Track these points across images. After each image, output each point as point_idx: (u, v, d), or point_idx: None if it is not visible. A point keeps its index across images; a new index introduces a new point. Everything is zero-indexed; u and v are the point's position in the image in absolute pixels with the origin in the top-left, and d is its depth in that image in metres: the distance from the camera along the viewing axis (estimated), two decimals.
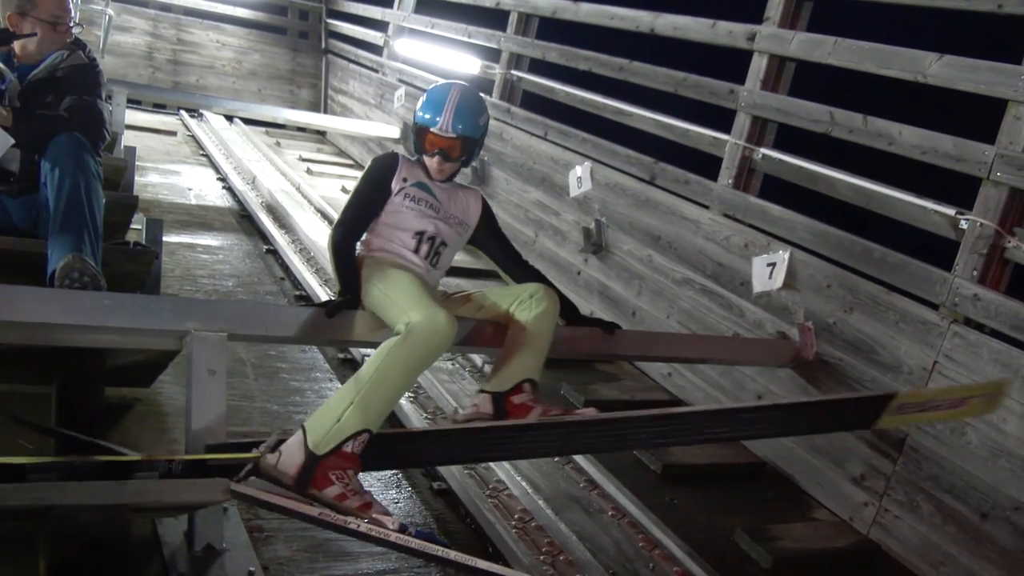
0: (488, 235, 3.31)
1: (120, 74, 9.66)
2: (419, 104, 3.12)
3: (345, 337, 3.12)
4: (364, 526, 2.37)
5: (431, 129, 3.05)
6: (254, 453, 2.52)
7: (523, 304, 3.01)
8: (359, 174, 3.24)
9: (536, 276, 3.28)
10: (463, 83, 3.20)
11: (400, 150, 3.59)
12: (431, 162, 3.10)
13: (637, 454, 3.85)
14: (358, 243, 3.13)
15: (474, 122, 3.10)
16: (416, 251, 3.07)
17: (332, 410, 2.57)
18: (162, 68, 10.61)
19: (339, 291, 2.99)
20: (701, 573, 2.99)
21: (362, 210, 3.09)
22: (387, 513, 2.46)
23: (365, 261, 3.05)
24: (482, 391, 3.00)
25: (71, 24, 3.40)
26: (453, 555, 2.29)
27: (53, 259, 2.96)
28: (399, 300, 2.78)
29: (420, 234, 3.07)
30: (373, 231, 3.12)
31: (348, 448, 2.53)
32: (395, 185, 3.08)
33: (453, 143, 3.06)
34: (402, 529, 2.39)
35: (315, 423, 2.57)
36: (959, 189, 3.62)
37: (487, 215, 3.29)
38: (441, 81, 3.26)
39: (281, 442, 2.55)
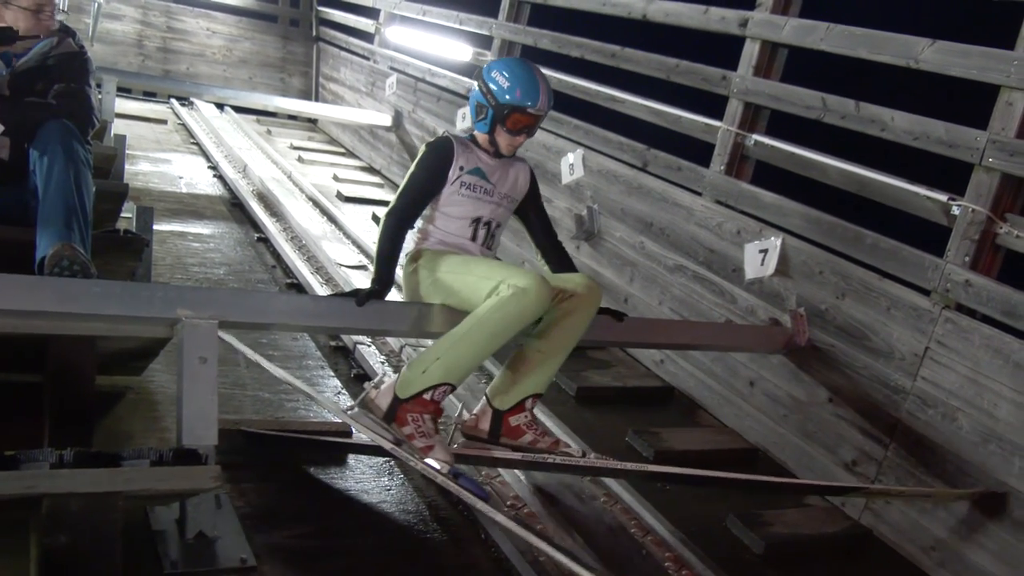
0: (531, 207, 3.40)
1: (110, 62, 9.62)
2: (500, 82, 3.13)
3: (337, 324, 3.12)
4: (421, 464, 2.69)
5: (528, 109, 3.11)
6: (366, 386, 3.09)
7: (562, 303, 3.06)
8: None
9: (564, 256, 3.42)
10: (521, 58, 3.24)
11: (451, 132, 3.57)
12: (511, 139, 3.18)
13: (630, 441, 3.86)
14: (412, 234, 3.22)
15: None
16: (473, 239, 3.18)
17: (422, 361, 2.94)
18: (152, 56, 10.56)
19: (373, 279, 3.02)
20: (693, 559, 2.99)
21: (418, 197, 3.15)
22: (446, 460, 2.82)
23: (424, 253, 3.16)
24: (487, 401, 3.15)
25: (55, 10, 3.38)
26: (480, 505, 2.52)
27: (42, 247, 2.94)
28: (491, 274, 2.96)
29: (476, 220, 3.18)
30: (429, 221, 3.20)
31: (428, 396, 2.91)
32: (452, 174, 3.14)
33: (538, 120, 3.17)
34: (453, 475, 2.75)
35: (407, 370, 2.96)
36: (951, 175, 3.62)
37: (534, 187, 3.38)
38: (508, 58, 3.29)
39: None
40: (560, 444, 3.14)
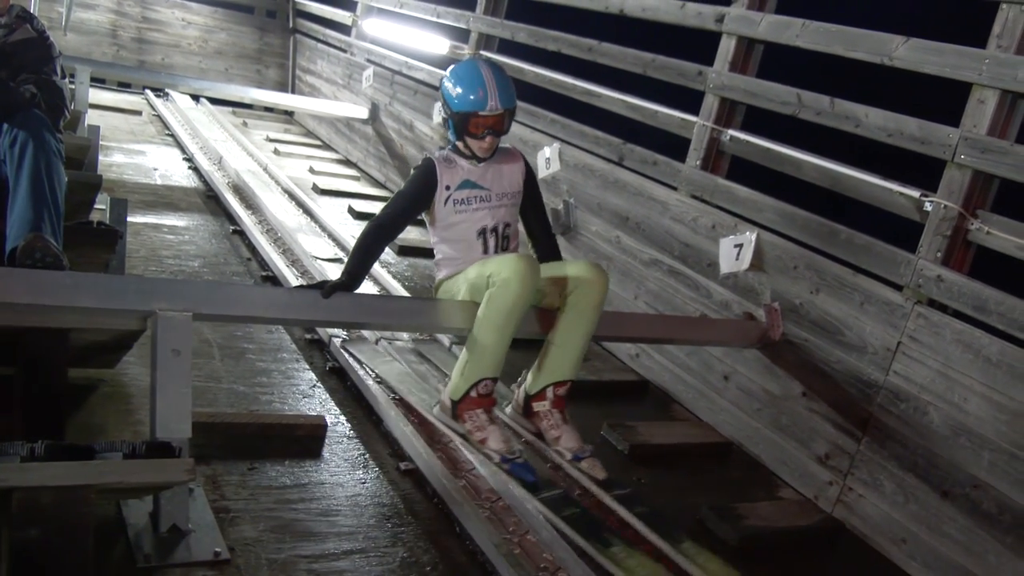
0: (528, 201, 3.44)
1: (84, 52, 9.53)
2: (451, 92, 3.18)
3: (312, 317, 3.11)
4: (481, 454, 3.16)
5: (480, 112, 3.13)
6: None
7: (568, 293, 3.22)
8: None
9: (553, 246, 3.52)
10: (479, 58, 3.31)
11: (432, 145, 3.66)
12: (480, 144, 3.20)
13: (604, 434, 3.87)
14: (437, 268, 3.39)
15: (512, 92, 3.21)
16: (486, 250, 3.28)
17: (459, 365, 3.20)
18: (127, 46, 10.44)
19: (343, 271, 3.12)
20: (669, 551, 3.00)
21: (401, 213, 3.26)
22: (498, 449, 3.14)
23: (449, 280, 3.32)
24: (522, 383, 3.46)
25: None
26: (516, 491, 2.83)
27: (12, 238, 2.91)
28: (483, 270, 3.09)
29: (483, 231, 3.27)
30: (442, 252, 3.33)
31: (474, 393, 3.17)
32: (440, 196, 3.22)
33: (501, 118, 3.16)
34: (503, 460, 3.12)
35: (453, 376, 3.24)
36: (924, 171, 3.65)
37: (530, 178, 3.42)
38: (461, 63, 3.32)
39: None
40: (560, 442, 3.33)
